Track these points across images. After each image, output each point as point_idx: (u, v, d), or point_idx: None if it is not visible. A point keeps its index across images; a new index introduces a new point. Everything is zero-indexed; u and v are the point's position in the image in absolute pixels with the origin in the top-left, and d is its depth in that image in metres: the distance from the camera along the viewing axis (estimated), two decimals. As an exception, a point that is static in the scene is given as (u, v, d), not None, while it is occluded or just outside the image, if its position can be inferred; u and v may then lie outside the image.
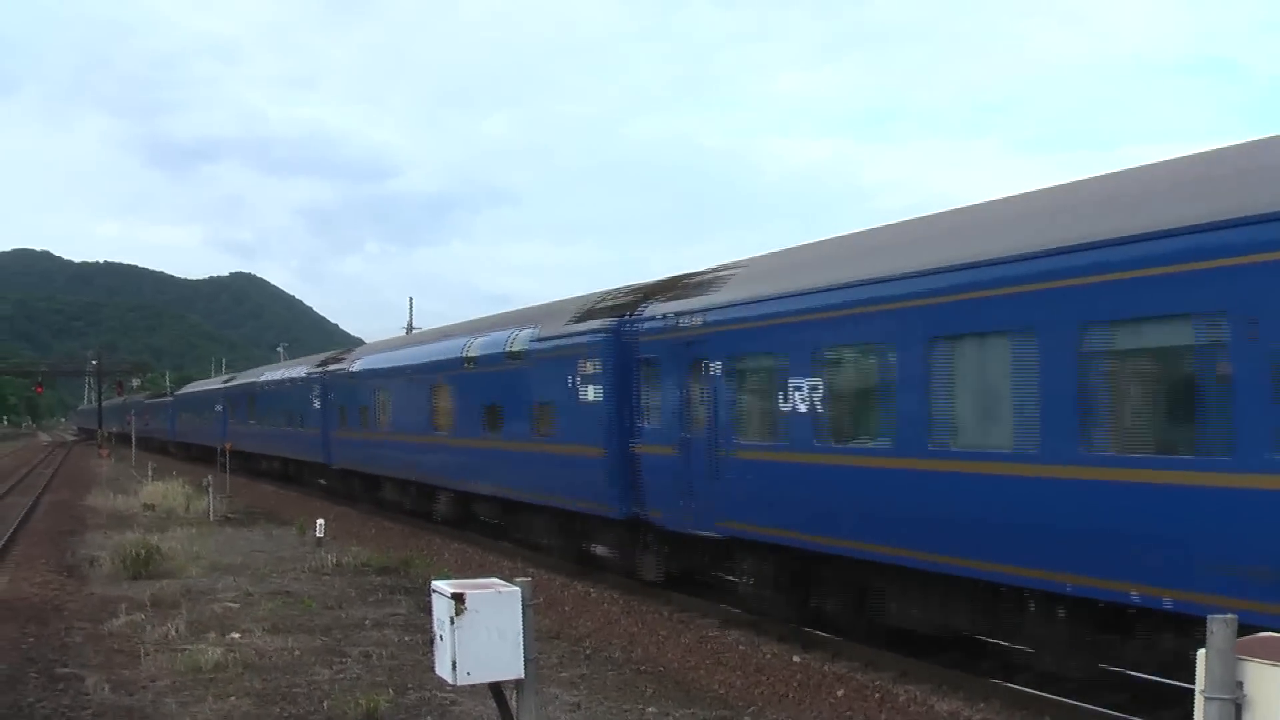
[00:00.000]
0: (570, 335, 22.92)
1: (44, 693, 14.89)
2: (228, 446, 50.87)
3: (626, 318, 21.23)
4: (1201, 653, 5.49)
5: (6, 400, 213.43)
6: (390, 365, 36.25)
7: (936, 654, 15.51)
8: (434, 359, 31.73)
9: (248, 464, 58.47)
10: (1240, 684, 5.38)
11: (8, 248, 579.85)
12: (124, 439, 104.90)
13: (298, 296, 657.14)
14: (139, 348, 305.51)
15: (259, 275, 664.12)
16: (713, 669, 16.26)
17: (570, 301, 25.17)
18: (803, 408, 15.94)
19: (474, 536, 30.47)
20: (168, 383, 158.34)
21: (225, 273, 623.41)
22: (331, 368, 43.92)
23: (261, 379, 57.74)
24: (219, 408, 66.77)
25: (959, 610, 14.18)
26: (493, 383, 26.71)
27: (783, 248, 19.37)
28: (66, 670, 16.23)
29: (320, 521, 30.65)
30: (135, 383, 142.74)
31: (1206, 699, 5.42)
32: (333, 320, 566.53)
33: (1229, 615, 5.45)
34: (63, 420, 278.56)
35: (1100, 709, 12.81)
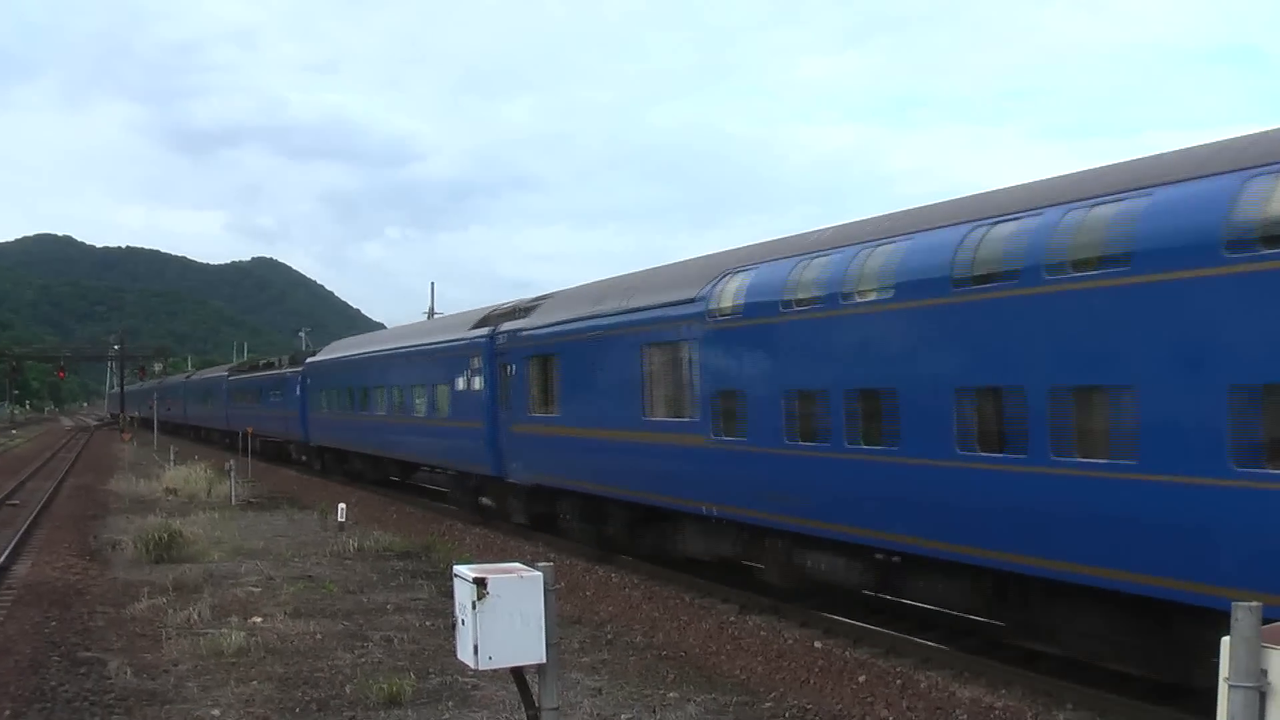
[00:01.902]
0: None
1: (66, 676, 14.96)
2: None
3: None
4: (1226, 640, 5.45)
5: (29, 385, 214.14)
6: None
7: (958, 640, 15.51)
8: None
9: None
10: (1265, 672, 5.34)
11: (30, 233, 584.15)
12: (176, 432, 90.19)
13: (320, 282, 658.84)
14: (161, 333, 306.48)
15: (281, 260, 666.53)
16: (734, 654, 16.25)
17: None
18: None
19: (496, 522, 30.48)
20: (189, 366, 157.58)
21: (247, 258, 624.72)
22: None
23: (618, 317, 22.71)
24: (477, 383, 30.33)
25: None
26: None
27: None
28: (89, 654, 16.31)
29: (342, 506, 30.73)
30: (158, 367, 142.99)
31: (1231, 687, 5.37)
32: (355, 305, 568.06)
33: (1254, 604, 5.40)
34: (85, 404, 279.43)
35: (1123, 698, 12.77)
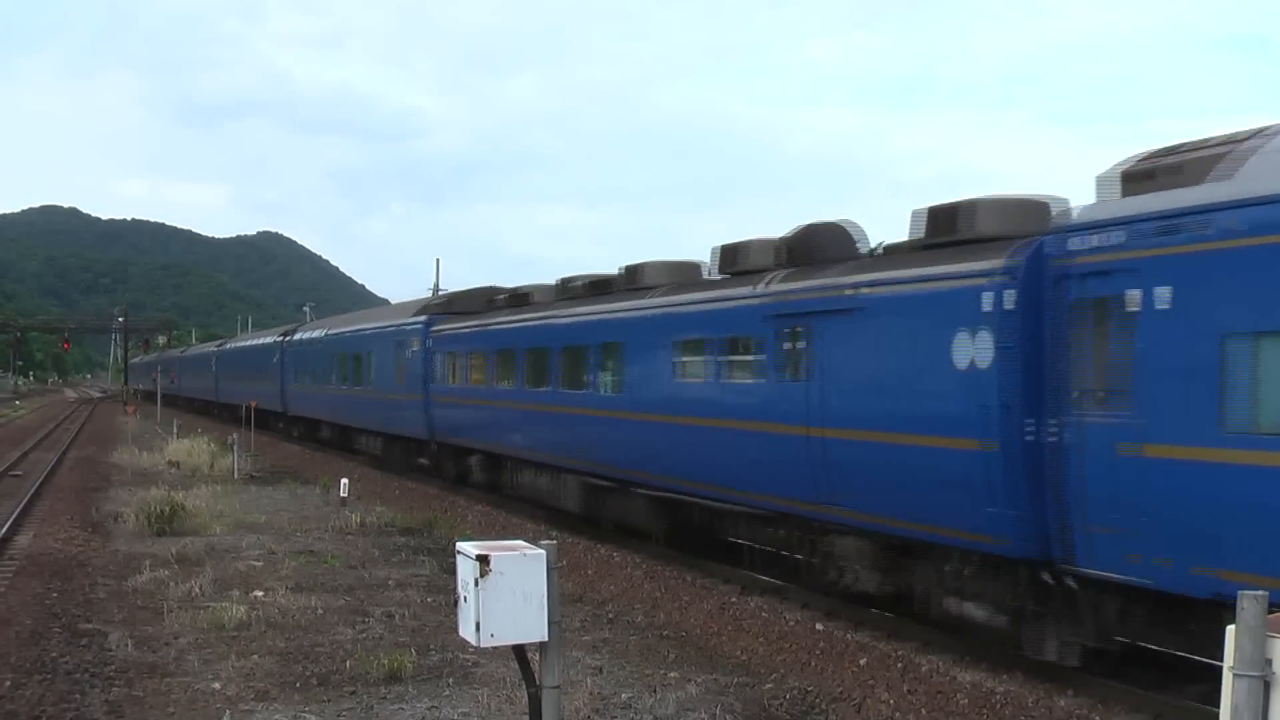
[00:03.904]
0: None
1: (67, 648, 14.98)
2: None
3: None
4: (1231, 629, 5.41)
5: (33, 356, 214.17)
6: None
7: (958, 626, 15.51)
8: None
9: None
10: (1270, 661, 5.32)
11: (36, 204, 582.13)
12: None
13: (325, 256, 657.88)
14: (166, 305, 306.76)
15: (286, 235, 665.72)
16: (735, 635, 16.26)
17: None
18: None
19: (496, 499, 30.44)
20: (193, 339, 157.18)
21: (252, 232, 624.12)
22: None
23: None
24: None
25: None
26: None
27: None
28: (90, 626, 16.33)
29: (344, 481, 30.76)
30: (162, 340, 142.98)
31: (1235, 676, 5.34)
32: (360, 281, 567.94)
33: (1260, 592, 5.37)
34: (88, 376, 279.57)
35: (1125, 685, 12.76)
